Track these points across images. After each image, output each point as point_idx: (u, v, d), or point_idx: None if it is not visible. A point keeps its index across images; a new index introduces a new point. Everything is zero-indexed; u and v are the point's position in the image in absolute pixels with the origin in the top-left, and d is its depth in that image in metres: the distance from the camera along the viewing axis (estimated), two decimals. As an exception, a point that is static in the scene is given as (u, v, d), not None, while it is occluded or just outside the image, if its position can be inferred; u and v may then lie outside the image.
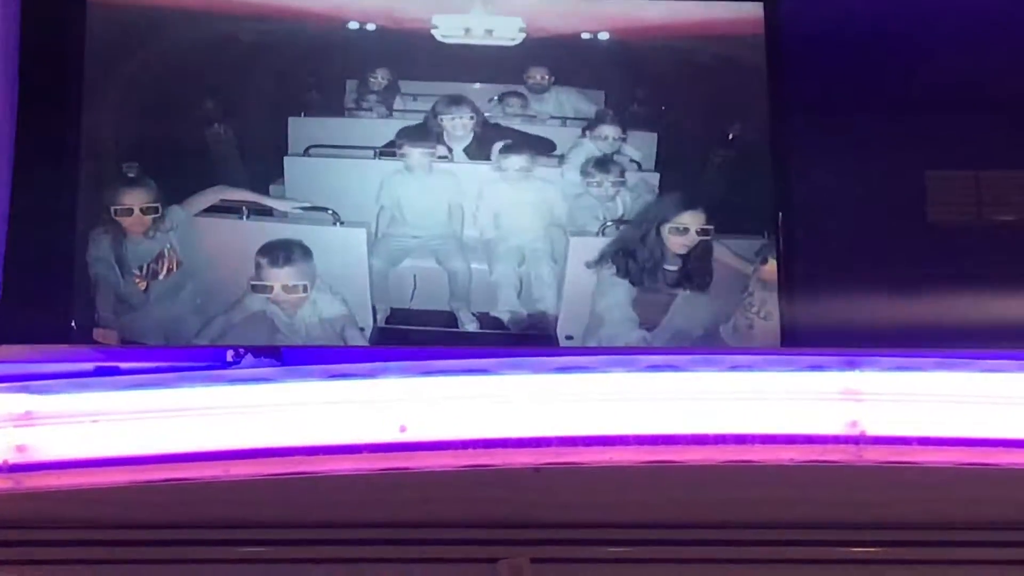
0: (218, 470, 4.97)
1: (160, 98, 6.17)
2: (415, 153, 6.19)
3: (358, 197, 6.12)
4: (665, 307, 6.04)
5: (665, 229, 6.09)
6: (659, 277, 6.07)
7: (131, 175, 6.02)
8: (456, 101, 6.24)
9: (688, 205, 6.14)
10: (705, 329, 6.01)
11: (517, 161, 6.20)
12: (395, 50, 6.31)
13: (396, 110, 6.29)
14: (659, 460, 4.96)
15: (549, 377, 5.09)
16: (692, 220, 6.12)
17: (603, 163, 6.21)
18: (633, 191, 6.19)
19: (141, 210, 5.99)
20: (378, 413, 5.02)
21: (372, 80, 6.29)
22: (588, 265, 6.07)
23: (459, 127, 6.21)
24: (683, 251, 6.08)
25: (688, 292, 6.06)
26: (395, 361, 5.22)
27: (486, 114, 6.25)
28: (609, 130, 6.26)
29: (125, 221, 5.99)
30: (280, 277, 5.95)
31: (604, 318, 6.02)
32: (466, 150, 6.22)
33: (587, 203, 6.19)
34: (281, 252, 5.96)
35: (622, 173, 6.20)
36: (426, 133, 6.22)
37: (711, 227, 6.11)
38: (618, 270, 6.06)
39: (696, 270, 6.07)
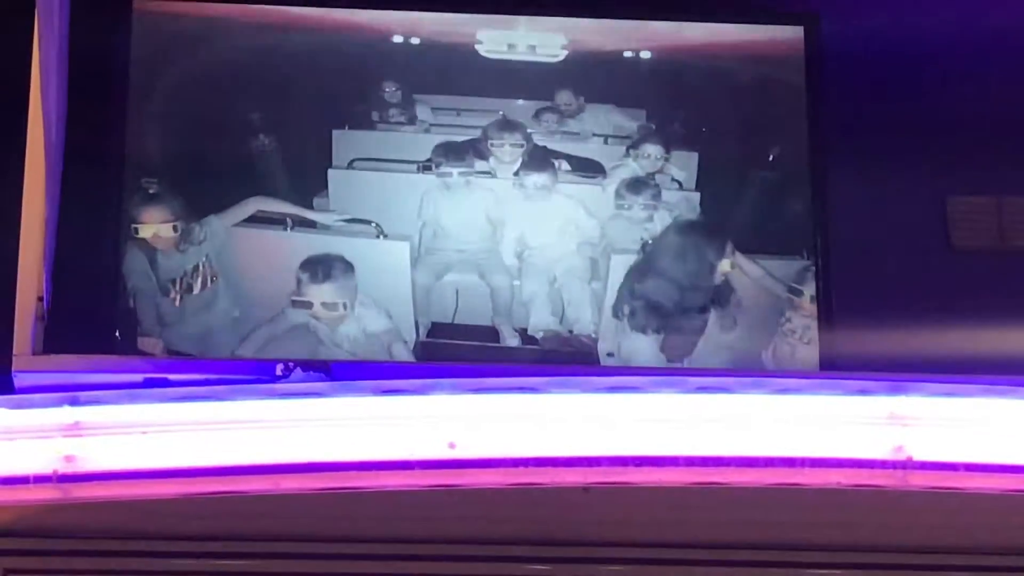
0: (268, 484, 4.98)
1: (205, 109, 6.21)
2: (455, 170, 6.23)
3: (401, 211, 6.17)
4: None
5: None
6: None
7: (151, 191, 6.07)
8: (508, 127, 6.28)
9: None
10: (746, 353, 6.05)
11: (564, 179, 6.25)
12: (439, 64, 6.36)
13: (439, 124, 6.32)
14: (708, 482, 4.99)
15: (598, 397, 5.11)
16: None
17: (635, 184, 6.25)
18: (674, 210, 6.23)
19: (161, 228, 6.05)
20: (428, 429, 5.04)
21: (416, 94, 6.32)
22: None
23: (507, 153, 6.24)
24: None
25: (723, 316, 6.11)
26: (441, 376, 5.25)
27: (534, 137, 6.29)
28: (652, 149, 6.30)
29: (149, 236, 6.04)
30: (320, 293, 6.00)
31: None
32: (515, 172, 6.27)
33: (622, 223, 6.22)
34: (321, 268, 6.00)
35: (656, 195, 6.24)
36: (469, 150, 6.25)
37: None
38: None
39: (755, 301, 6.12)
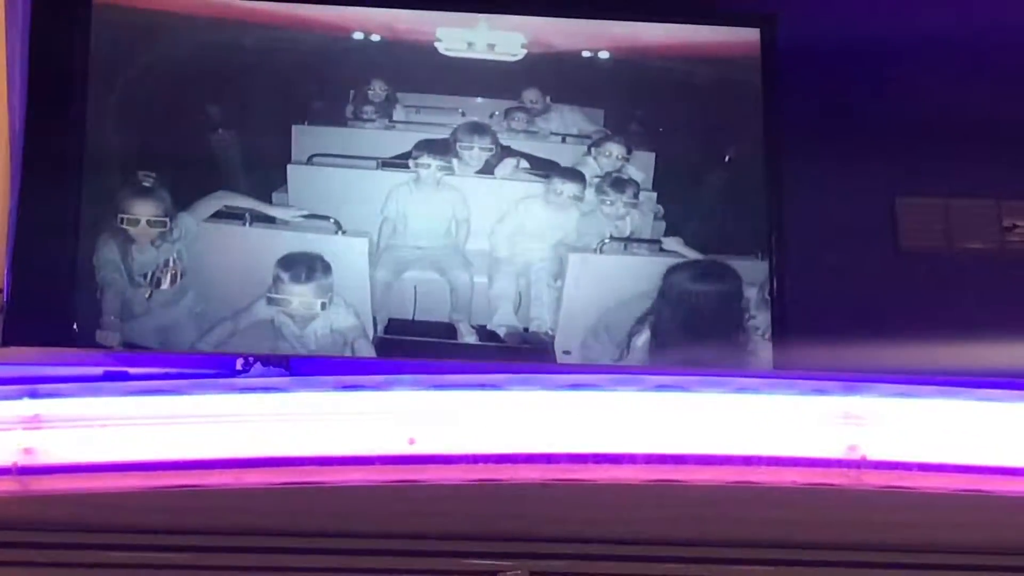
0: (229, 478, 5.02)
1: (165, 103, 6.19)
2: (430, 166, 6.24)
3: (360, 207, 6.16)
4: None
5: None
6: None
7: (146, 184, 6.04)
8: (478, 130, 6.28)
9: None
10: (705, 347, 6.11)
11: (523, 177, 6.27)
12: (398, 62, 6.36)
13: (397, 121, 6.33)
14: (665, 479, 5.05)
15: (558, 394, 5.17)
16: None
17: (618, 183, 6.29)
18: (641, 210, 6.28)
19: (148, 222, 6.02)
20: (388, 425, 5.09)
21: (375, 91, 6.33)
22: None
23: (475, 156, 6.27)
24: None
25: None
26: (399, 373, 5.29)
27: (500, 138, 6.30)
28: (615, 148, 6.35)
29: (132, 230, 6.01)
30: (300, 292, 5.99)
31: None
32: (477, 172, 6.29)
33: (594, 221, 6.25)
34: (304, 268, 6.00)
35: (636, 194, 6.28)
36: (442, 148, 6.27)
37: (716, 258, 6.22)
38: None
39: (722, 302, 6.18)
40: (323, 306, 5.97)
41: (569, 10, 6.42)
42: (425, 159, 6.25)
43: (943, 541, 5.25)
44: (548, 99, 6.39)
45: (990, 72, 6.53)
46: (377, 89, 6.34)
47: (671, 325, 6.12)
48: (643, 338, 6.08)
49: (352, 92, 6.31)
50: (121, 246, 5.99)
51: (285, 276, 5.99)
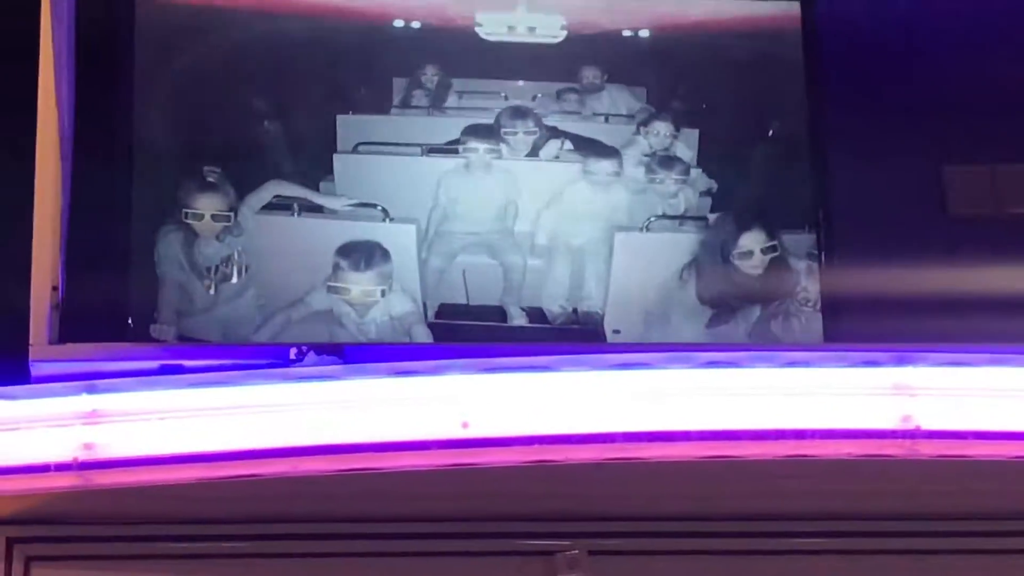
0: (286, 466, 5.05)
1: (212, 96, 6.24)
2: (477, 151, 6.27)
3: (406, 193, 6.20)
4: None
5: (733, 256, 6.20)
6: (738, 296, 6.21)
7: (210, 179, 6.10)
8: (520, 114, 6.31)
9: (744, 227, 6.24)
10: (757, 322, 6.12)
11: (572, 159, 6.29)
12: (440, 48, 6.39)
13: (442, 107, 6.36)
14: (720, 455, 5.07)
15: (608, 373, 5.17)
16: (753, 242, 6.22)
17: (667, 161, 6.30)
18: (693, 186, 6.30)
19: (212, 216, 6.07)
20: (441, 409, 5.11)
21: (418, 78, 6.36)
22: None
23: (520, 141, 6.29)
24: (756, 272, 6.20)
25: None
26: (453, 357, 5.32)
27: (542, 116, 6.33)
28: (663, 127, 6.36)
29: (196, 224, 6.06)
30: (360, 280, 6.03)
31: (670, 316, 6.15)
32: (526, 155, 6.32)
33: (646, 199, 6.28)
34: (363, 256, 6.04)
35: (686, 171, 6.29)
36: (489, 133, 6.30)
37: (775, 243, 6.21)
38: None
39: (774, 282, 6.19)
40: (383, 293, 6.01)
41: (608, -11, 6.47)
42: (473, 144, 6.28)
43: (1000, 508, 5.27)
44: (605, 77, 6.42)
45: (1036, 36, 6.53)
46: (420, 75, 6.37)
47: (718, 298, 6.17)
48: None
49: (395, 80, 6.35)
50: (184, 241, 6.05)
51: (345, 264, 6.03)
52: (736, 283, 6.16)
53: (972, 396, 5.16)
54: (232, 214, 6.07)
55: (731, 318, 6.12)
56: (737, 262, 6.19)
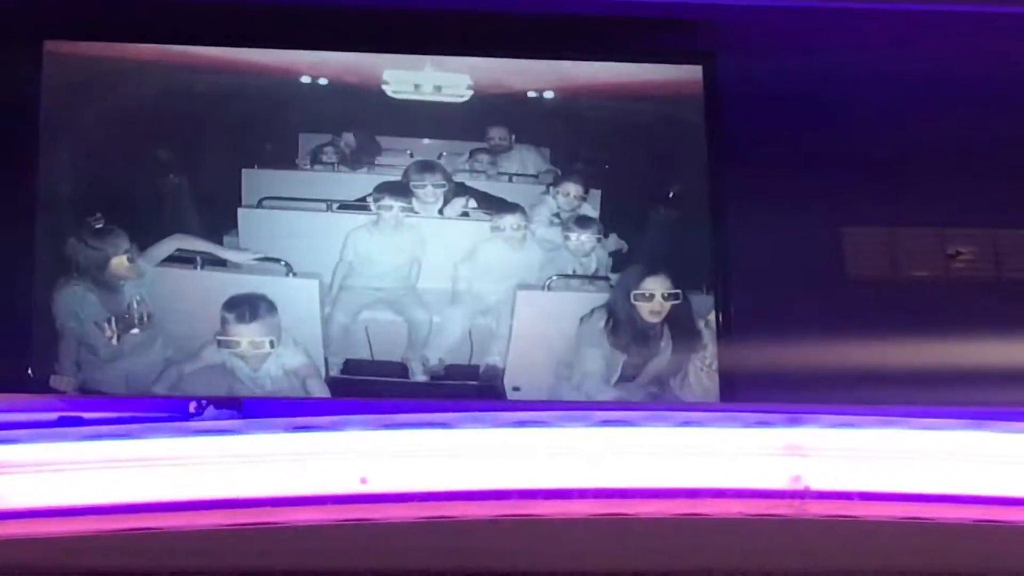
0: (183, 520, 5.06)
1: (117, 148, 6.28)
2: (391, 208, 6.33)
3: (310, 249, 6.25)
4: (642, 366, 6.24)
5: (631, 296, 6.27)
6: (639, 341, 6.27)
7: (98, 226, 6.11)
8: (428, 168, 6.38)
9: (650, 271, 6.32)
10: (659, 381, 6.20)
11: (480, 217, 6.37)
12: (347, 105, 6.46)
13: (347, 164, 6.41)
14: (614, 513, 5.12)
15: (506, 431, 5.22)
16: (656, 286, 6.30)
17: (583, 220, 6.39)
18: (605, 246, 6.38)
19: (116, 261, 6.10)
20: (340, 465, 5.14)
21: (325, 135, 6.42)
22: (581, 320, 6.24)
23: (430, 194, 6.35)
24: (655, 318, 6.27)
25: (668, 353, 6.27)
26: (352, 413, 5.35)
27: (453, 175, 6.40)
28: (572, 187, 6.44)
29: (94, 273, 6.08)
30: (247, 333, 6.07)
31: (583, 371, 6.21)
32: (439, 211, 6.38)
33: (552, 258, 6.37)
34: (248, 308, 6.08)
35: (601, 231, 6.37)
36: (399, 189, 6.36)
37: (678, 291, 6.30)
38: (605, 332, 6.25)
39: (677, 333, 6.27)
40: (271, 344, 6.04)
41: (513, 51, 6.52)
42: (386, 201, 6.34)
43: (886, 569, 5.34)
44: (513, 138, 6.49)
45: (929, 103, 6.64)
46: (327, 133, 6.42)
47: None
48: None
49: (301, 136, 6.40)
50: (82, 290, 6.05)
51: (231, 317, 6.07)
52: (637, 328, 6.24)
53: (862, 458, 5.25)
54: (132, 261, 6.08)
55: (634, 375, 6.19)
56: (638, 303, 6.27)
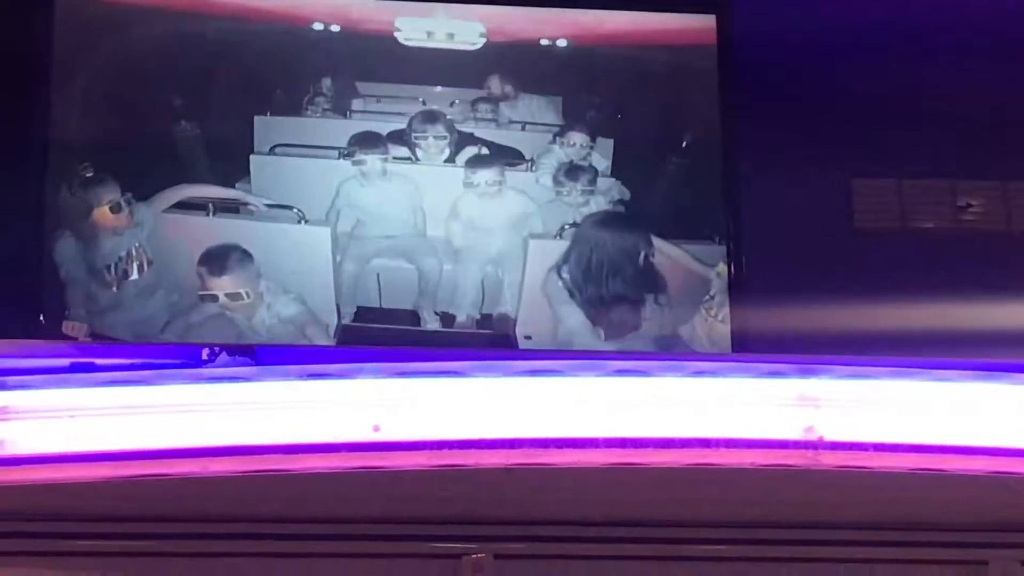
0: (196, 466, 5.08)
1: (128, 95, 6.25)
2: (372, 158, 6.29)
3: (322, 196, 6.24)
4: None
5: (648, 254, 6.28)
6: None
7: (88, 175, 6.08)
8: (431, 119, 6.35)
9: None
10: (667, 332, 6.20)
11: (487, 167, 6.34)
12: (358, 52, 6.43)
13: (358, 111, 6.39)
14: (626, 462, 5.14)
15: (520, 380, 5.25)
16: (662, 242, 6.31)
17: (572, 171, 6.36)
18: (607, 195, 6.36)
19: (109, 208, 6.08)
20: (353, 413, 5.16)
21: (336, 81, 6.39)
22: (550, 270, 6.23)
23: (433, 145, 6.33)
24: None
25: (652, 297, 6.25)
26: (364, 361, 5.36)
27: (456, 124, 6.37)
28: (579, 137, 6.42)
29: (91, 218, 6.06)
30: (221, 285, 6.05)
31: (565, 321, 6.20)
32: (444, 161, 6.36)
33: (557, 209, 6.33)
34: (218, 260, 6.06)
35: (592, 180, 6.36)
36: (392, 139, 6.33)
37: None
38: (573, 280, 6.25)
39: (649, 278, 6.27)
40: (247, 295, 6.03)
41: (527, -1, 6.51)
42: (363, 152, 6.30)
43: (897, 519, 5.35)
44: (512, 87, 6.47)
45: (942, 54, 6.61)
46: (338, 79, 6.40)
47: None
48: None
49: (313, 83, 6.38)
50: (81, 237, 6.04)
51: (203, 271, 6.06)
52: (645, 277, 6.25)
53: (874, 408, 5.27)
54: (121, 202, 6.07)
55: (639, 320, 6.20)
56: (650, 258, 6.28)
